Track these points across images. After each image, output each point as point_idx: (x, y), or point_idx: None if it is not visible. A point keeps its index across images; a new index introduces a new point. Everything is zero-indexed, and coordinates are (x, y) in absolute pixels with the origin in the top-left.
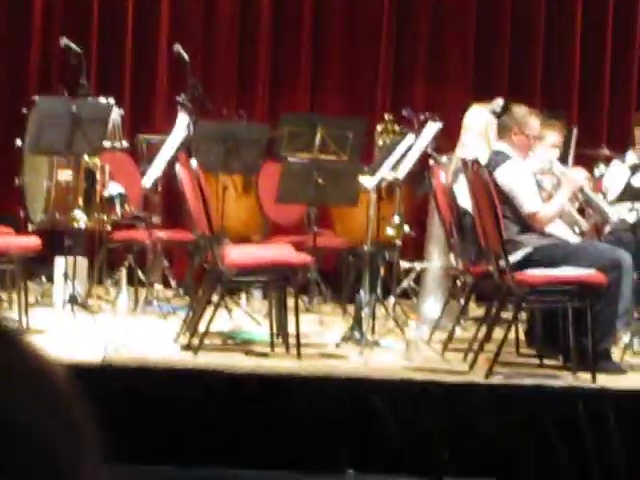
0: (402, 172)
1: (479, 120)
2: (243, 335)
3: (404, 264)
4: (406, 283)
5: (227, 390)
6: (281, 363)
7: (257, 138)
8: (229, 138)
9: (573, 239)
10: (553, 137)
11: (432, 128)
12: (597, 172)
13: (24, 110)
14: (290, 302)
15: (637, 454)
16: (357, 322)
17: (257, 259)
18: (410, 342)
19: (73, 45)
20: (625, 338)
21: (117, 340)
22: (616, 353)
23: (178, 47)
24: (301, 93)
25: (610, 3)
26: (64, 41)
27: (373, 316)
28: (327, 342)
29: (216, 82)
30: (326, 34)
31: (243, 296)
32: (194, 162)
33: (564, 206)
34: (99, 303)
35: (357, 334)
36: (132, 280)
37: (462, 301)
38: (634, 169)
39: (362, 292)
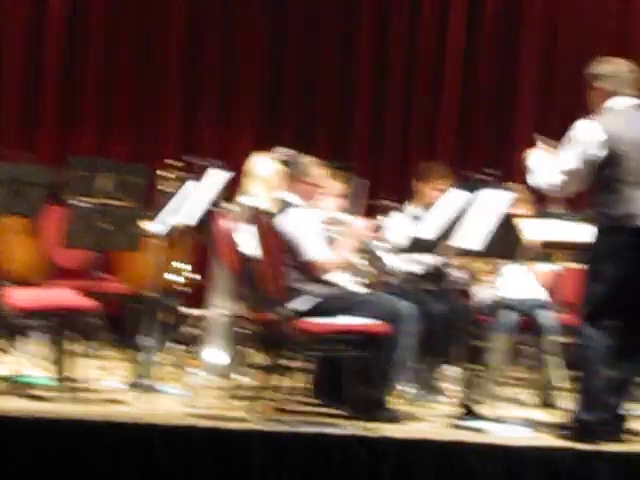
0: (193, 219)
1: (265, 168)
2: (24, 379)
3: (188, 310)
4: (190, 329)
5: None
6: (63, 408)
7: (41, 180)
8: (11, 180)
9: (356, 289)
10: (338, 187)
11: (222, 176)
12: (380, 222)
13: None
14: (73, 346)
15: None
16: (140, 367)
17: (40, 302)
18: (193, 389)
19: None
20: (404, 387)
21: None
22: (394, 402)
23: None
24: (90, 134)
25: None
26: None
27: (156, 362)
28: (110, 387)
29: (1, 121)
30: (116, 72)
31: (25, 339)
32: None
33: (348, 256)
34: None
35: (140, 379)
36: None
37: (246, 348)
38: (417, 221)
39: (145, 338)
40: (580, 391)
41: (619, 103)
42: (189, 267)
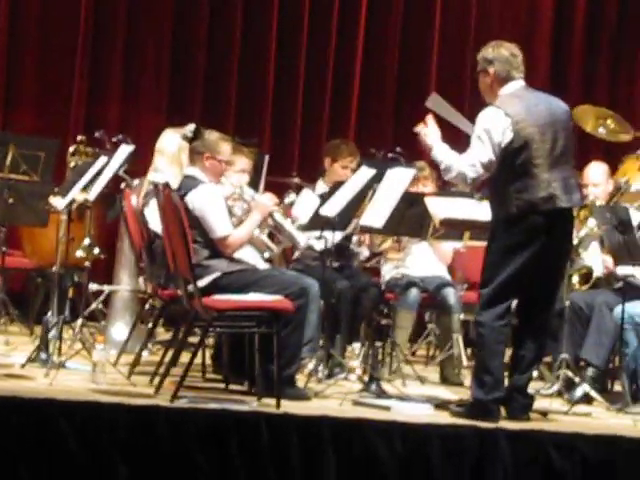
0: (93, 194)
1: (171, 144)
2: None
3: (93, 286)
4: (95, 305)
5: None
6: None
7: None
8: None
9: (262, 265)
10: (243, 162)
11: (125, 150)
12: (287, 199)
13: None
14: None
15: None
16: (44, 343)
17: None
18: (97, 364)
19: None
20: (310, 365)
21: None
22: (301, 379)
23: None
24: None
25: (303, 45)
26: None
27: (60, 338)
28: (13, 362)
29: None
30: (21, 48)
31: None
32: None
33: (254, 232)
34: None
35: (44, 355)
36: None
37: (150, 324)
38: (324, 198)
39: (50, 313)
40: (477, 370)
41: (514, 87)
42: (93, 243)
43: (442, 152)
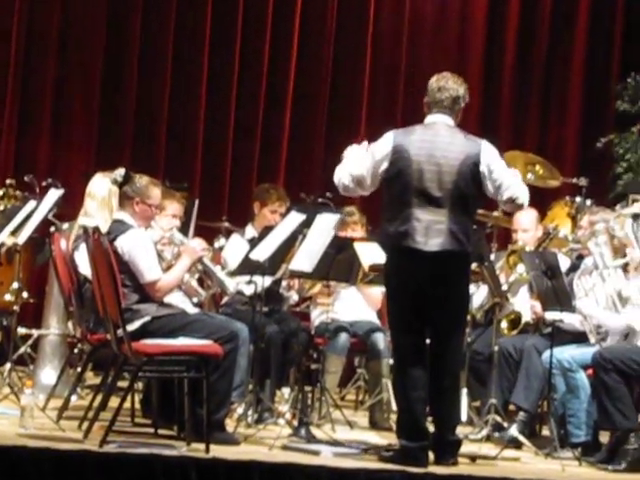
0: (22, 238)
1: (101, 189)
2: None
3: (22, 330)
4: (23, 349)
5: None
6: None
7: None
8: None
9: (191, 309)
10: (174, 207)
11: (54, 195)
12: (217, 244)
13: None
14: None
15: None
16: None
17: None
18: (25, 409)
19: None
20: (240, 409)
21: None
22: (230, 424)
23: None
24: None
25: (234, 88)
26: None
27: None
28: None
29: None
30: None
31: None
32: None
33: (183, 276)
34: None
35: None
36: None
37: (79, 369)
38: (253, 242)
39: None
40: (400, 418)
41: (431, 119)
42: (22, 287)
43: (347, 155)
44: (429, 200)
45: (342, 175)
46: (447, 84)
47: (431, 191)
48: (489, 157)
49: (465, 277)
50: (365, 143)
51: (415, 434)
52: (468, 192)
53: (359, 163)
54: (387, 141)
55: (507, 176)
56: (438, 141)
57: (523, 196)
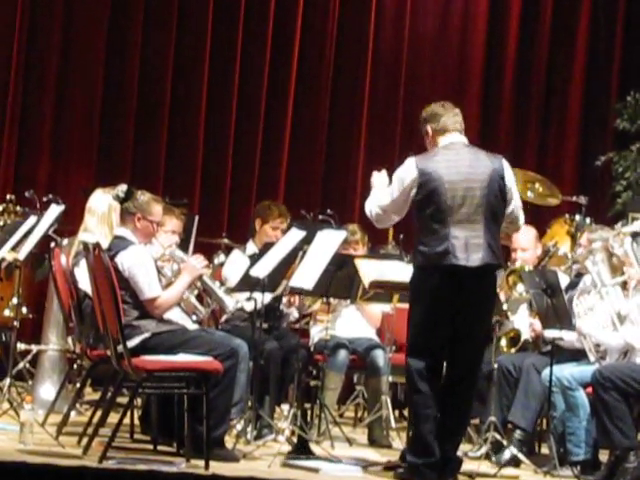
0: (23, 253)
1: (102, 204)
2: None
3: (21, 346)
4: (22, 365)
5: None
6: None
7: None
8: None
9: (191, 326)
10: (174, 224)
11: (54, 210)
12: (217, 260)
13: None
14: None
15: None
16: None
17: None
18: (24, 424)
19: None
20: (239, 426)
21: None
22: (230, 440)
23: None
24: None
25: (233, 106)
26: None
27: None
28: None
29: None
30: None
31: None
32: None
33: (183, 293)
34: None
35: None
36: None
37: (78, 384)
38: (254, 259)
39: None
40: (409, 434)
41: (446, 140)
42: (22, 302)
43: (374, 192)
44: (463, 217)
45: (372, 207)
46: (449, 108)
47: (464, 208)
48: (509, 172)
49: (496, 291)
50: (384, 171)
51: (421, 450)
52: (497, 205)
53: (387, 192)
54: (411, 166)
55: (517, 195)
56: (462, 159)
57: (523, 218)
